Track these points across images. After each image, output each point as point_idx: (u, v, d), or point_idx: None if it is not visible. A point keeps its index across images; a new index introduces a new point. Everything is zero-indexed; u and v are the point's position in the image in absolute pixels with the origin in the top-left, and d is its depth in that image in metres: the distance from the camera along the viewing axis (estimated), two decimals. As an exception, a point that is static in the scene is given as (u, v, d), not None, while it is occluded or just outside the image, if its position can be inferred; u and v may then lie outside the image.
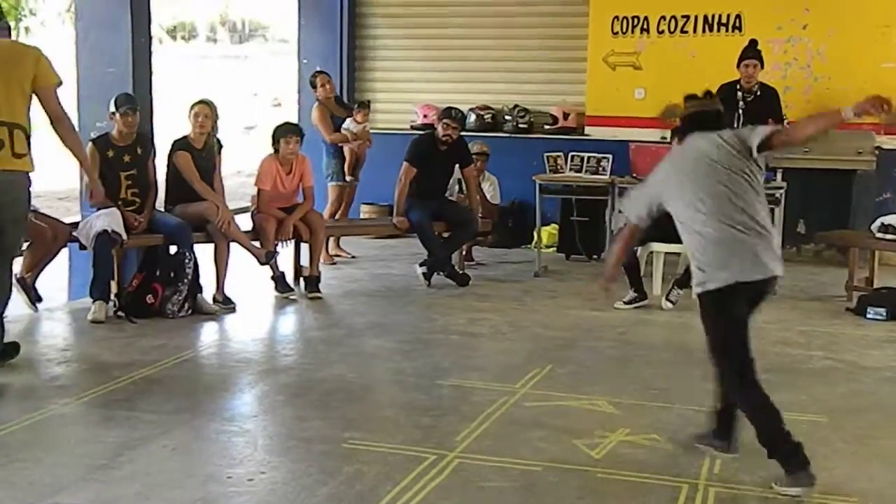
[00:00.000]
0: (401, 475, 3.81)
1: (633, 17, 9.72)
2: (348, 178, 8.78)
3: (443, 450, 4.10)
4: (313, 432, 4.33)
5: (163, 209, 7.03)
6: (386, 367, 5.59)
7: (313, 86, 8.84)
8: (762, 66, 8.12)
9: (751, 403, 3.82)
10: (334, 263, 8.66)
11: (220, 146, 7.15)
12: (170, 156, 6.93)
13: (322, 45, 10.69)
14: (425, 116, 10.23)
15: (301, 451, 4.13)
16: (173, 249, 6.67)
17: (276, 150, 7.33)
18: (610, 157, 8.22)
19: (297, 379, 5.23)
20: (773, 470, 3.86)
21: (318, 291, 7.31)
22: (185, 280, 6.52)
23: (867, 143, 8.68)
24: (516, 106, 10.25)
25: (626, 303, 7.07)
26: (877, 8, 9.00)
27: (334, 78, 9.27)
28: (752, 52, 8.12)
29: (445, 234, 8.02)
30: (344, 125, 8.71)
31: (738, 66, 8.11)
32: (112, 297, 6.54)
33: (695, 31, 9.57)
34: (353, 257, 9.02)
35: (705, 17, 9.53)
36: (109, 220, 6.39)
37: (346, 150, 8.75)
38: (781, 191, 7.74)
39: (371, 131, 8.93)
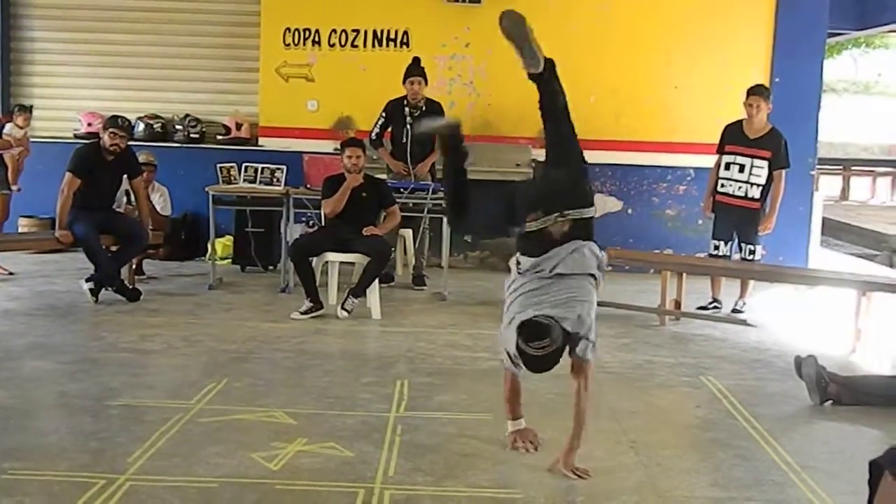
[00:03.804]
0: (67, 504, 3.62)
1: (304, 30, 9.82)
2: (13, 188, 8.23)
3: (113, 473, 3.93)
4: (-34, 465, 4.00)
5: None
6: (49, 390, 5.26)
7: (-36, 90, 8.27)
8: (426, 83, 8.46)
9: None
10: (-11, 281, 8.06)
11: None
12: None
13: (-28, 46, 9.94)
14: (90, 125, 9.80)
15: (-48, 487, 3.79)
16: None
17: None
18: (284, 167, 8.25)
19: (-54, 408, 4.81)
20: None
21: (-29, 312, 6.78)
22: None
23: (524, 156, 9.30)
24: (187, 115, 10.04)
25: (302, 313, 7.11)
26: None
27: (-13, 82, 8.66)
28: (416, 69, 8.43)
29: (114, 248, 7.70)
30: (6, 130, 8.15)
31: (404, 82, 8.40)
32: None
33: (365, 45, 9.82)
34: (11, 274, 8.42)
35: (374, 33, 9.80)
36: None
37: (6, 157, 8.17)
38: (449, 201, 8.07)
39: (29, 139, 8.41)
